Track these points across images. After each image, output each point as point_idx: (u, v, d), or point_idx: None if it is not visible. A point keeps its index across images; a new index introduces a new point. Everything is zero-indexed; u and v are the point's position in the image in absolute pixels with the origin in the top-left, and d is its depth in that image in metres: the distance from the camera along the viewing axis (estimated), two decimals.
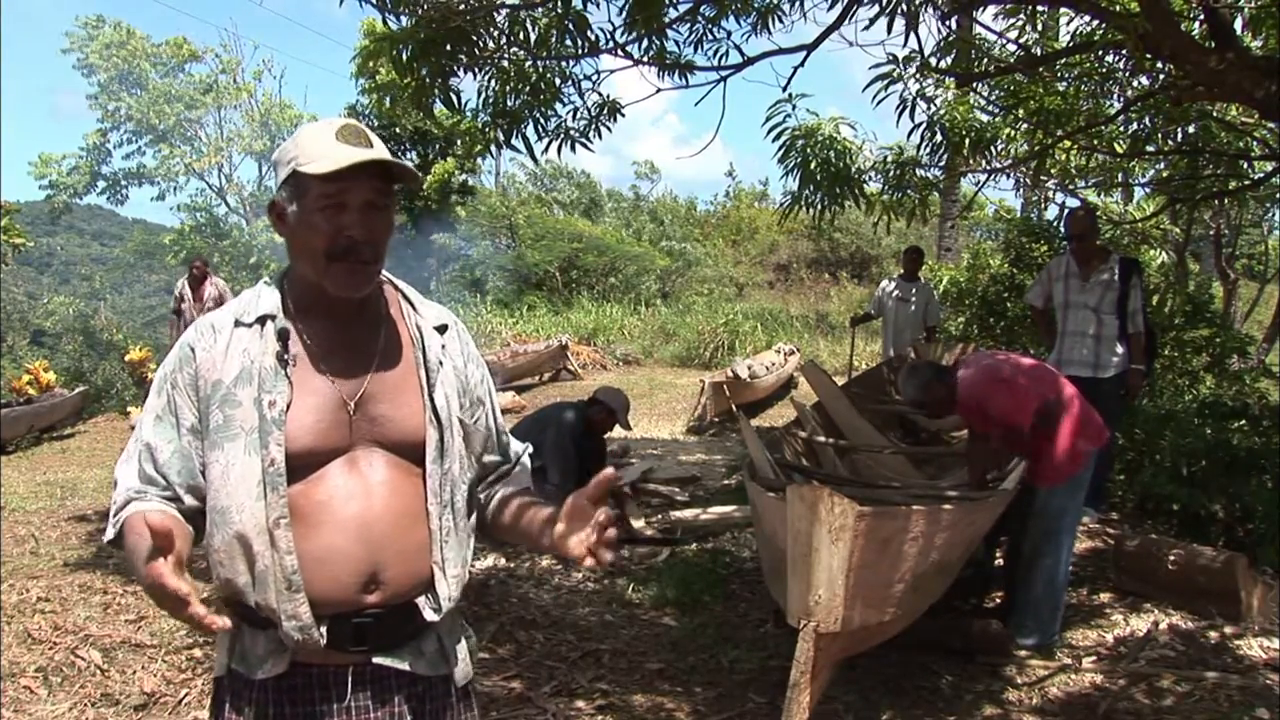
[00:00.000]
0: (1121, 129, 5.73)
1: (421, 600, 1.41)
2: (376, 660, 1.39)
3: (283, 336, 1.37)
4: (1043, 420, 3.60)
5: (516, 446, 1.63)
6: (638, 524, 5.38)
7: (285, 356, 1.36)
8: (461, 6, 4.05)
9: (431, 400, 1.42)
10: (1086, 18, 4.58)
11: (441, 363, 1.46)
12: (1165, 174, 7.44)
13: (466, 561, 1.47)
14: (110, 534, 1.35)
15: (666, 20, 4.43)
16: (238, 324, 1.39)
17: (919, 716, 3.17)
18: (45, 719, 3.13)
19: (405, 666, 1.41)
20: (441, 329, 1.50)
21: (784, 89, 4.66)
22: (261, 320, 1.38)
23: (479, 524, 1.57)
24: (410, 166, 1.39)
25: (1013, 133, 5.80)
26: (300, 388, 1.36)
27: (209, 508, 1.36)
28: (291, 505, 1.33)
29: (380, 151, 1.35)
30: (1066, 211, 6.31)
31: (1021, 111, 5.37)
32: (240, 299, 1.44)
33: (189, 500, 1.36)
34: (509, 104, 4.63)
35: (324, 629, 1.34)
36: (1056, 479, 3.64)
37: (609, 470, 1.41)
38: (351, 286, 1.37)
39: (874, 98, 4.60)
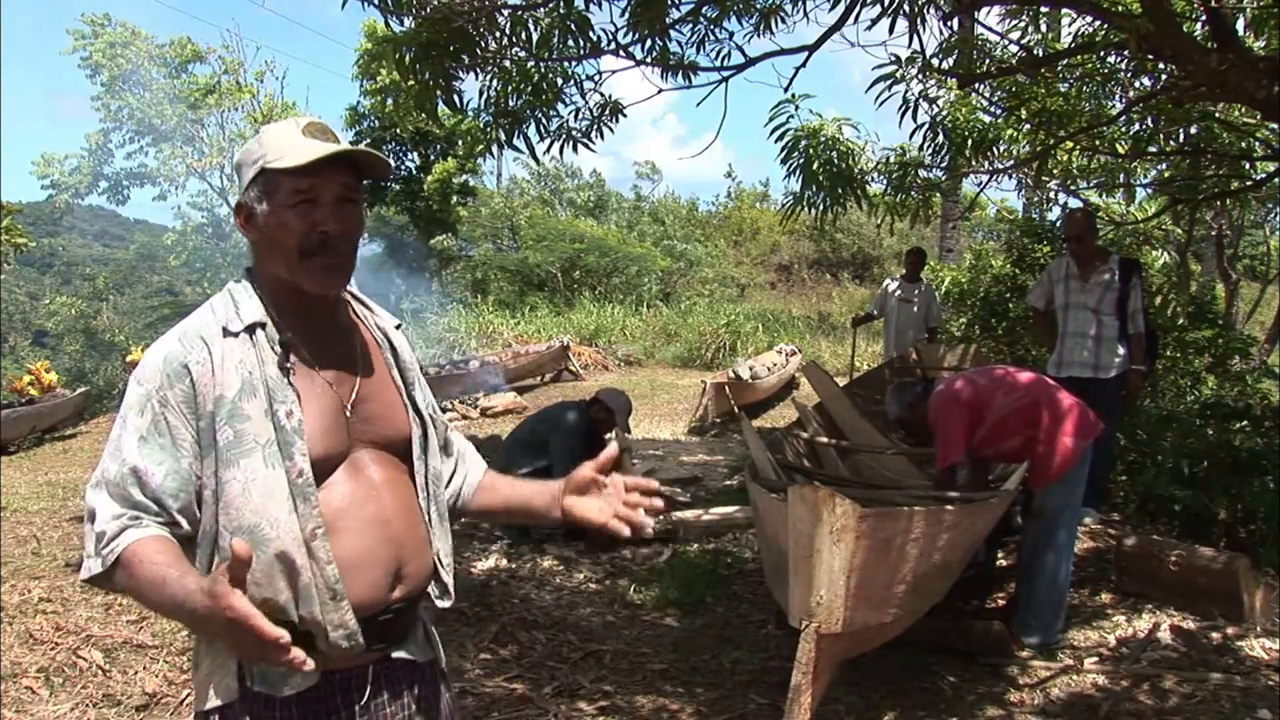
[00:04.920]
0: (1123, 130, 5.73)
1: (432, 589, 1.45)
2: (393, 654, 1.40)
3: (285, 345, 1.34)
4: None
5: (452, 433, 1.63)
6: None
7: (287, 365, 1.33)
8: (464, 8, 4.05)
9: (411, 397, 1.46)
10: (1088, 19, 4.58)
11: (408, 361, 1.49)
12: (1167, 175, 7.43)
13: (451, 549, 1.51)
14: (97, 568, 1.24)
15: (669, 21, 4.44)
16: (226, 334, 1.32)
17: (921, 717, 3.17)
18: (47, 719, 3.13)
19: (410, 656, 1.43)
20: (396, 329, 1.53)
21: (785, 89, 4.67)
22: (250, 329, 1.33)
23: (449, 509, 1.59)
24: (381, 155, 1.38)
25: (1015, 134, 5.79)
26: (304, 395, 1.34)
27: (232, 528, 1.27)
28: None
29: (350, 145, 1.36)
30: (1066, 213, 6.31)
31: (1024, 112, 5.37)
32: (213, 307, 1.37)
33: (185, 526, 1.29)
34: (511, 104, 4.63)
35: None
36: (1053, 477, 3.63)
37: (613, 447, 1.45)
38: (328, 283, 1.36)
39: (876, 98, 4.60)
